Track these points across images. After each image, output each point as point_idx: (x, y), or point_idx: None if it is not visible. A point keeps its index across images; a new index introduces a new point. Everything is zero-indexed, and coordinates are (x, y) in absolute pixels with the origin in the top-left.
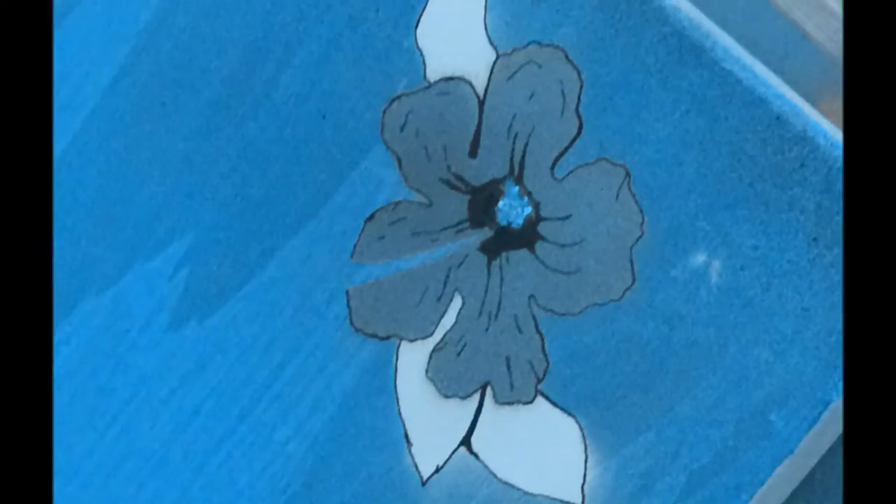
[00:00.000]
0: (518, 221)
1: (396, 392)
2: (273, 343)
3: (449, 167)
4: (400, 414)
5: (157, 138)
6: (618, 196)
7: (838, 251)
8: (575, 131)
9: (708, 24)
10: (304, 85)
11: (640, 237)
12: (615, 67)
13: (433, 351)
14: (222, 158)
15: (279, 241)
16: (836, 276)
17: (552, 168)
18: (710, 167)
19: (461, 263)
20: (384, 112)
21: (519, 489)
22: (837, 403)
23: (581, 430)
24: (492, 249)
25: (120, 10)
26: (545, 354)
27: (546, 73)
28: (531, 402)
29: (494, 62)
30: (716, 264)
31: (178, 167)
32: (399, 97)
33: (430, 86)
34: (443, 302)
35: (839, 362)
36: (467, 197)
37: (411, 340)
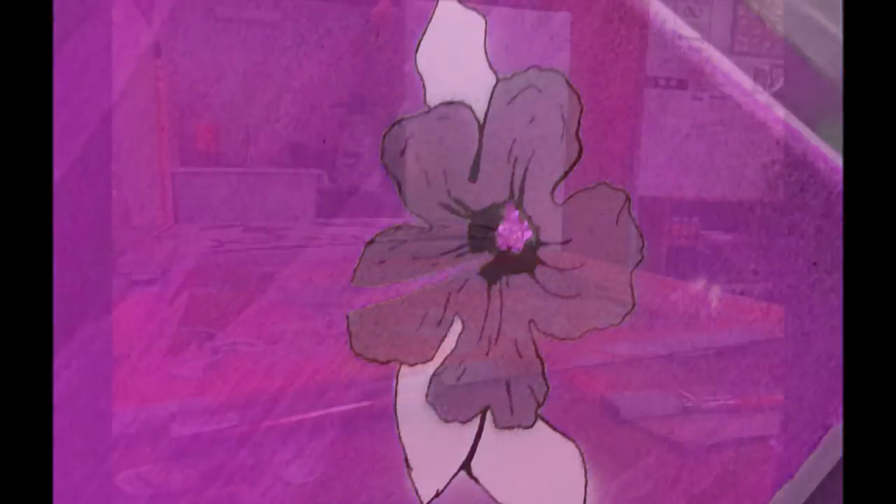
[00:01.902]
0: (518, 246)
1: (396, 416)
2: (273, 367)
3: (449, 191)
4: (400, 438)
5: (156, 163)
6: (618, 221)
7: (838, 276)
8: (575, 156)
9: (709, 49)
10: (303, 109)
11: (640, 262)
12: (615, 92)
13: (433, 375)
14: (222, 182)
15: (279, 266)
16: (836, 300)
17: (552, 192)
18: (711, 191)
19: (461, 288)
20: (384, 136)
21: None
22: (837, 428)
23: (581, 454)
24: (492, 274)
25: (120, 35)
26: (545, 379)
27: (546, 98)
28: (531, 426)
29: (494, 86)
30: (716, 289)
31: (178, 191)
32: (399, 121)
33: (430, 110)
34: (443, 326)
35: (839, 387)
36: (467, 221)
37: (411, 365)
